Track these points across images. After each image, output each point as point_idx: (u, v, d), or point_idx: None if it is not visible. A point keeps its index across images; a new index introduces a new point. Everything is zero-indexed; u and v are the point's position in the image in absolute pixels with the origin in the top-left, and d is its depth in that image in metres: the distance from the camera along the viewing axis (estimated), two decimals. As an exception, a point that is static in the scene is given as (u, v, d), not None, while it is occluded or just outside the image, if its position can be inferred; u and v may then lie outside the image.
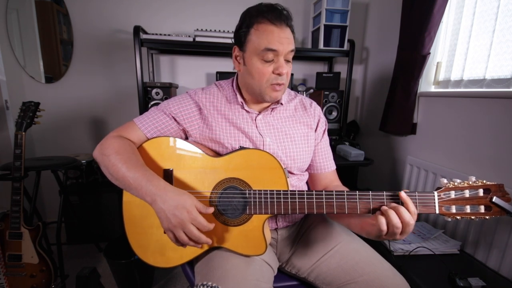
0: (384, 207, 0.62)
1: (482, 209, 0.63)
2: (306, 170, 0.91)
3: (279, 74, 0.73)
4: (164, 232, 0.72)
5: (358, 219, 0.70)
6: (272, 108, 0.83)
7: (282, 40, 0.70)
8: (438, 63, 1.47)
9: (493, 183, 0.63)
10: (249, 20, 0.73)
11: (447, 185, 0.64)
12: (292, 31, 0.75)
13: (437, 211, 0.63)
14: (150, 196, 0.63)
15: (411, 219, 0.58)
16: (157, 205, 0.62)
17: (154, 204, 0.63)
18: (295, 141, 0.83)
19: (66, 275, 1.37)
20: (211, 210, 0.65)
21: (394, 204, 0.61)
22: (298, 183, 0.85)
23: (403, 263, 1.06)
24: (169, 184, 0.65)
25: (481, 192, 0.63)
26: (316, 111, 0.90)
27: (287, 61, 0.75)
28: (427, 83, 1.52)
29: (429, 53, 1.40)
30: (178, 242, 0.64)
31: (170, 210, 0.61)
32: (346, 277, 0.71)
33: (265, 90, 0.75)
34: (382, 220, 0.59)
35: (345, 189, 0.84)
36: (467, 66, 1.29)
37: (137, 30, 1.57)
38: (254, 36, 0.72)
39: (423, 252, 1.13)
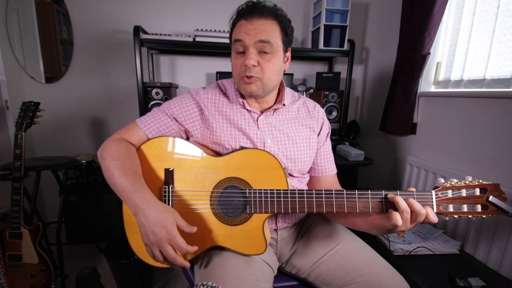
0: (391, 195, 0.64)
1: (478, 208, 0.64)
2: (307, 172, 0.91)
3: (246, 66, 0.73)
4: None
5: (363, 217, 0.70)
6: (275, 109, 0.83)
7: (249, 31, 0.72)
8: (438, 63, 1.47)
9: (490, 182, 0.64)
10: (232, 20, 0.78)
11: (444, 185, 0.65)
12: (283, 24, 0.74)
13: (435, 210, 0.64)
14: (133, 208, 0.62)
15: (422, 208, 0.60)
16: (139, 218, 0.61)
17: (136, 216, 0.62)
18: (296, 144, 0.82)
19: (66, 275, 1.37)
20: (194, 229, 0.63)
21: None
22: (298, 185, 0.85)
23: (403, 263, 1.06)
24: (154, 197, 0.64)
25: (477, 191, 0.64)
26: (320, 114, 0.89)
27: (264, 53, 0.73)
28: (427, 83, 1.52)
29: (429, 53, 1.40)
30: (154, 258, 0.62)
31: (150, 226, 0.59)
32: (346, 278, 0.71)
33: (239, 83, 0.77)
34: (397, 217, 0.59)
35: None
36: (467, 66, 1.29)
37: (137, 30, 1.57)
38: (233, 32, 0.77)
39: (423, 252, 1.13)
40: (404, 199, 0.61)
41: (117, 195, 0.67)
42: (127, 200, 0.64)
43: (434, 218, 0.61)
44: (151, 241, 0.60)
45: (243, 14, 0.74)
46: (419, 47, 1.39)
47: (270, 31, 0.73)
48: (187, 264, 0.63)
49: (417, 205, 0.60)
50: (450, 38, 1.40)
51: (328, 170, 0.89)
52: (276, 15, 0.74)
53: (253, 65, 0.72)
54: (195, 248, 0.63)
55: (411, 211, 0.60)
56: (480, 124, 1.18)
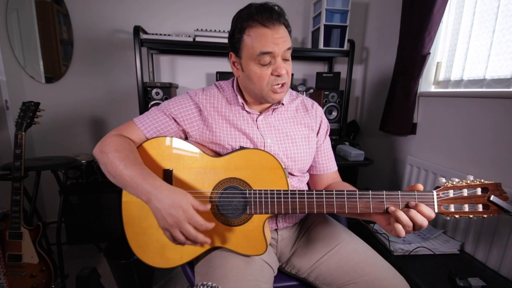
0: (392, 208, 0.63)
1: (480, 207, 0.64)
2: (308, 171, 0.91)
3: (278, 75, 0.72)
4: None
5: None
6: (273, 109, 0.83)
7: (277, 40, 0.69)
8: (438, 63, 1.47)
9: (491, 182, 0.63)
10: (240, 25, 0.71)
11: (445, 184, 0.65)
12: (287, 26, 0.73)
13: (436, 210, 0.64)
14: (145, 195, 0.62)
15: (424, 220, 0.60)
16: (153, 204, 0.61)
17: (149, 203, 0.62)
18: (296, 143, 0.82)
19: (66, 275, 1.37)
20: (208, 207, 0.64)
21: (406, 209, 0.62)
22: (298, 184, 0.85)
23: (403, 263, 1.06)
24: (165, 182, 0.65)
25: (479, 191, 0.64)
26: (317, 112, 0.89)
27: (286, 59, 0.73)
28: (427, 83, 1.52)
29: (429, 53, 1.40)
30: (176, 241, 0.63)
31: (165, 209, 0.60)
32: (346, 278, 0.71)
33: (267, 93, 0.75)
34: (400, 228, 0.60)
35: (347, 185, 0.84)
36: (467, 66, 1.29)
37: (137, 30, 1.57)
38: (248, 41, 0.70)
39: (423, 252, 1.13)
40: (405, 212, 0.61)
41: (123, 187, 0.67)
42: (137, 189, 0.63)
43: (431, 215, 0.61)
44: (170, 223, 0.60)
45: (260, 20, 0.68)
46: (419, 47, 1.39)
47: (289, 36, 0.73)
48: (208, 240, 0.64)
49: (419, 218, 0.59)
50: (450, 38, 1.40)
51: (329, 167, 0.90)
52: (284, 18, 0.73)
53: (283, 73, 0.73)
54: (213, 224, 0.63)
55: (413, 224, 0.60)
56: (480, 124, 1.18)
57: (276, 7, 0.71)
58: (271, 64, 0.72)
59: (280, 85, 0.74)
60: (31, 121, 1.20)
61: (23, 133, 1.16)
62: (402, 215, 0.60)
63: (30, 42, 1.76)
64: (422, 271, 1.03)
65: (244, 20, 0.70)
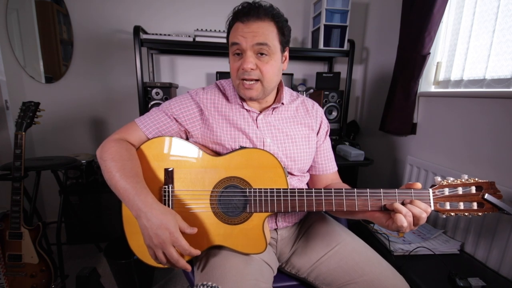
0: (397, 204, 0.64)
1: (474, 205, 0.65)
2: (308, 171, 0.91)
3: (244, 70, 0.73)
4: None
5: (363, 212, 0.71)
6: (274, 108, 0.83)
7: (246, 34, 0.71)
8: (438, 63, 1.47)
9: (485, 180, 0.65)
10: (229, 23, 0.77)
11: (441, 183, 0.66)
12: (278, 22, 0.73)
13: (432, 208, 0.65)
14: (135, 211, 0.63)
15: (422, 212, 0.62)
16: (141, 221, 0.62)
17: (138, 220, 0.62)
18: (295, 142, 0.82)
19: (66, 275, 1.37)
20: (194, 230, 0.65)
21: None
22: (298, 184, 0.85)
23: (403, 263, 1.06)
24: (156, 200, 0.65)
25: (473, 189, 0.65)
26: (318, 112, 0.89)
27: (262, 54, 0.72)
28: (427, 83, 1.52)
29: (429, 53, 1.40)
30: (157, 260, 0.64)
31: (153, 229, 0.60)
32: (345, 278, 0.71)
33: (238, 86, 0.77)
34: (402, 218, 0.61)
35: (345, 186, 0.84)
36: (467, 66, 1.29)
37: (137, 30, 1.57)
38: (230, 35, 0.76)
39: (423, 252, 1.13)
40: (402, 203, 0.64)
41: (118, 197, 0.67)
42: (129, 203, 0.64)
43: (428, 208, 0.63)
44: (155, 244, 0.61)
45: (238, 16, 0.72)
46: (419, 47, 1.39)
47: (267, 33, 0.72)
48: (189, 267, 0.64)
49: (416, 210, 0.61)
50: (450, 38, 1.40)
51: (328, 168, 0.90)
52: (273, 15, 0.73)
53: (252, 69, 0.72)
54: (198, 252, 0.64)
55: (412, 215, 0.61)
56: (480, 124, 1.18)
57: (256, 5, 0.72)
58: (241, 57, 0.74)
59: (250, 81, 0.74)
60: (31, 121, 1.20)
61: (23, 133, 1.16)
62: (400, 206, 0.62)
63: (30, 42, 1.76)
64: (422, 271, 1.03)
65: (230, 18, 0.76)
